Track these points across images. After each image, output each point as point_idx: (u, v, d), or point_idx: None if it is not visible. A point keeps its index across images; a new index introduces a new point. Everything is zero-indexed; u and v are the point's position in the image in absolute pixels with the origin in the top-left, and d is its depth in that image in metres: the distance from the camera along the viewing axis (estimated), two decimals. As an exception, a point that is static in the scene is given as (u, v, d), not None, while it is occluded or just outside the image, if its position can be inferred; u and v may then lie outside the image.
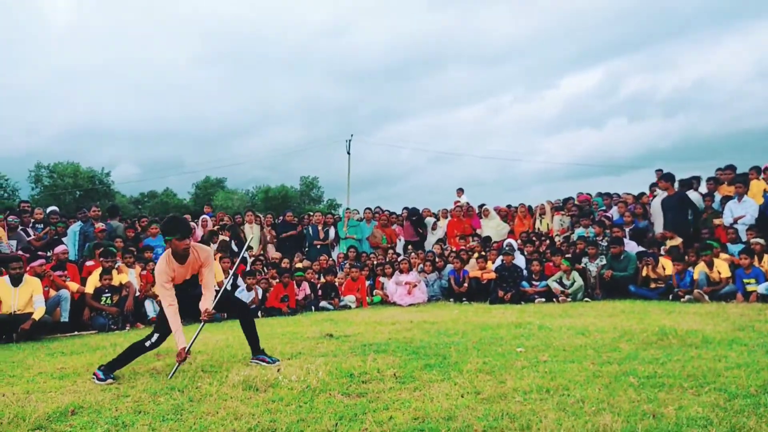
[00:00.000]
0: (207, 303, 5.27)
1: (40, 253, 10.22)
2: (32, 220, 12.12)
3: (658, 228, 12.52)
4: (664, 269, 10.89)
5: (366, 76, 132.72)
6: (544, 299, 11.18)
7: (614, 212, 14.03)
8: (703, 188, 13.29)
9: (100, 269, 9.66)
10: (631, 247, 11.93)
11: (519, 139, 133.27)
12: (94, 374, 4.76)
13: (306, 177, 62.94)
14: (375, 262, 13.49)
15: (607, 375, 4.18)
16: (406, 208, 16.08)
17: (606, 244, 12.00)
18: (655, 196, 13.36)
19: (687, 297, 9.91)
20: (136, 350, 5.06)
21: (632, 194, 14.72)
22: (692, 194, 12.68)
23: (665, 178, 12.50)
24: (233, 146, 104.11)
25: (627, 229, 12.88)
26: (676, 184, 12.65)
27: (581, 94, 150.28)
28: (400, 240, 15.40)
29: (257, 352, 5.38)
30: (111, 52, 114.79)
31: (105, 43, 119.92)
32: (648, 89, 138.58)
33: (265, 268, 12.25)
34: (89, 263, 10.48)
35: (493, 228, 14.95)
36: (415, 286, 12.24)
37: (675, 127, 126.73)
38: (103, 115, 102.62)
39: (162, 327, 5.10)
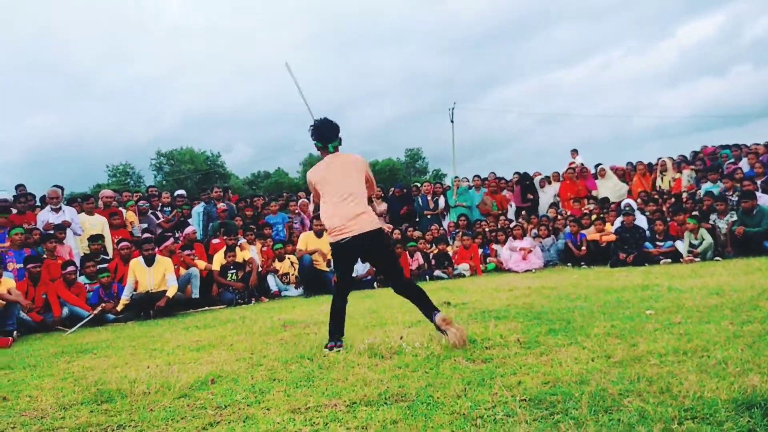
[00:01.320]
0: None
1: (167, 234, 10.85)
2: (160, 204, 12.88)
3: None
4: (804, 222, 10.06)
5: (466, 43, 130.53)
6: (670, 260, 10.65)
7: (744, 164, 13.10)
8: None
9: (224, 247, 10.15)
10: (765, 200, 11.09)
11: (633, 94, 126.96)
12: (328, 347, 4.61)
13: (410, 149, 63.09)
14: (487, 229, 13.34)
15: (749, 335, 3.91)
16: (516, 173, 15.73)
17: (737, 198, 11.22)
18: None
19: (833, 251, 9.13)
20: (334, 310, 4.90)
21: (762, 144, 13.68)
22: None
23: None
24: (342, 121, 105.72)
25: (759, 182, 11.99)
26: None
27: (700, 42, 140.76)
28: (511, 206, 15.13)
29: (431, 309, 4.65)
30: (219, 40, 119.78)
31: (213, 32, 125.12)
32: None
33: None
34: (215, 242, 11.03)
35: (610, 188, 14.37)
36: (530, 251, 12.02)
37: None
38: (217, 101, 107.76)
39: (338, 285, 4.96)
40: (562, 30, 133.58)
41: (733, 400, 2.61)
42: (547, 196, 15.05)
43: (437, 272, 11.85)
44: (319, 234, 10.98)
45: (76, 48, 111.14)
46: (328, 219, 4.75)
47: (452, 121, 43.96)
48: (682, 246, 10.69)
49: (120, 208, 11.54)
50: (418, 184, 15.88)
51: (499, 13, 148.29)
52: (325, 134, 4.81)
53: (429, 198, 14.66)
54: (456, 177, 16.60)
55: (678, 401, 2.68)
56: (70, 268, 8.70)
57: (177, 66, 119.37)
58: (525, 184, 15.06)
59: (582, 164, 15.64)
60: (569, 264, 12.03)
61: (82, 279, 9.18)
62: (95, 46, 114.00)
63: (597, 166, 15.22)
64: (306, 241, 10.98)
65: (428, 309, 4.62)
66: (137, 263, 8.98)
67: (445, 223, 14.43)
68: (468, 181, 15.78)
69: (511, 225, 13.12)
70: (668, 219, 11.47)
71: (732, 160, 13.95)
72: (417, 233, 13.07)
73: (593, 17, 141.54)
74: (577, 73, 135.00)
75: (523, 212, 14.26)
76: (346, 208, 4.64)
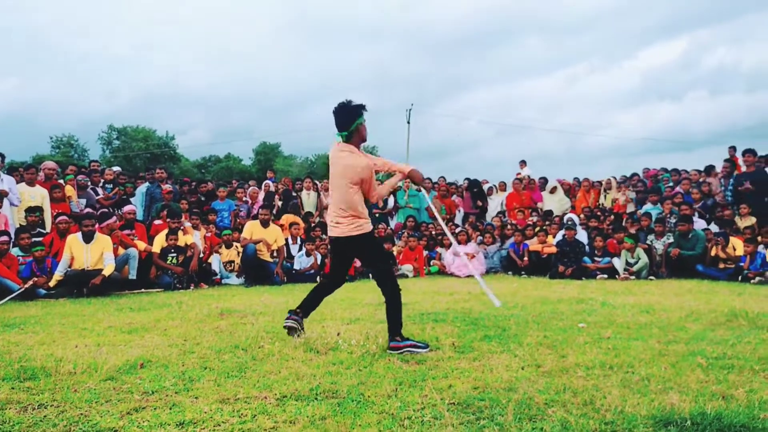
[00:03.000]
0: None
1: (117, 213, 10.58)
2: (102, 180, 12.54)
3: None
4: (734, 249, 10.49)
5: (439, 47, 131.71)
6: (606, 276, 10.94)
7: (679, 189, 13.58)
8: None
9: (166, 230, 9.95)
10: (700, 225, 11.52)
11: (592, 112, 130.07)
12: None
13: (365, 146, 63.01)
14: (434, 232, 13.46)
15: (673, 354, 4.06)
16: (467, 179, 15.91)
17: (674, 221, 11.62)
18: (727, 173, 12.85)
19: (758, 279, 9.53)
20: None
21: (698, 170, 14.22)
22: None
23: (751, 153, 12.01)
24: (304, 114, 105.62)
25: (696, 206, 12.45)
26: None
27: (661, 66, 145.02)
28: (459, 211, 15.29)
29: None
30: (193, 19, 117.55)
31: (187, 10, 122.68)
32: (732, 62, 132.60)
33: (323, 235, 12.37)
34: (157, 223, 10.80)
35: (555, 202, 14.68)
36: (473, 257, 12.16)
37: (759, 102, 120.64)
38: (182, 82, 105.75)
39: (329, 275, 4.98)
40: (533, 42, 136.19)
41: (652, 417, 2.70)
42: (494, 204, 15.28)
43: (380, 271, 11.89)
44: (265, 224, 10.87)
45: (45, 17, 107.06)
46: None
47: (408, 122, 44.05)
48: (619, 263, 11.00)
49: (60, 181, 11.18)
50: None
51: (474, 21, 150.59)
52: (335, 120, 4.56)
53: (379, 196, 14.66)
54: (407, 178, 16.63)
55: (600, 414, 2.76)
56: (3, 239, 8.38)
57: (144, 44, 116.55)
58: (474, 191, 15.25)
59: (528, 176, 15.93)
60: (510, 272, 12.25)
61: (15, 251, 8.86)
62: (66, 17, 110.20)
63: (541, 179, 15.54)
64: (252, 230, 10.85)
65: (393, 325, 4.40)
66: (75, 239, 8.72)
67: (392, 223, 14.49)
68: (418, 183, 15.83)
69: (457, 230, 13.26)
70: (608, 236, 11.78)
71: (671, 184, 14.43)
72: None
73: (564, 32, 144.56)
74: (541, 86, 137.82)
75: (471, 218, 14.42)
76: (331, 209, 4.64)
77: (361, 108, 4.53)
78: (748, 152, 12.09)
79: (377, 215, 14.39)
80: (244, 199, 13.56)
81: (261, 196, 13.90)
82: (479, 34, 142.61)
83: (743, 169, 12.56)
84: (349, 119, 4.48)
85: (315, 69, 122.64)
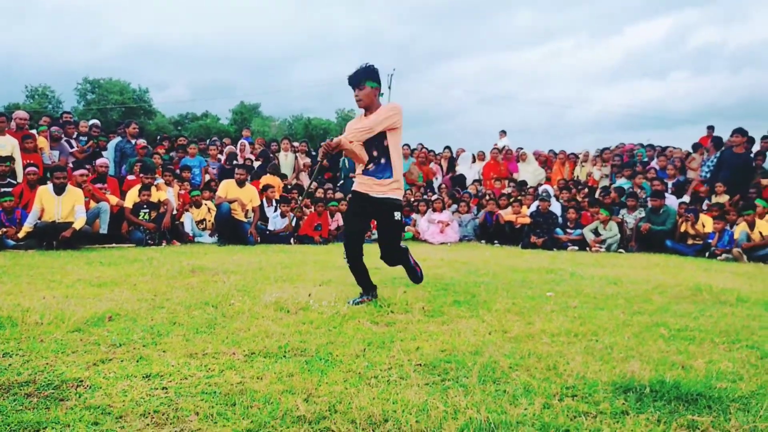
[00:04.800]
0: None
1: (87, 167, 10.41)
2: (76, 132, 12.30)
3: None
4: (704, 226, 10.68)
5: (429, 12, 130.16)
6: (577, 247, 11.10)
7: (654, 164, 13.73)
8: (757, 147, 12.79)
9: (139, 185, 9.83)
10: (672, 201, 11.69)
11: (576, 86, 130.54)
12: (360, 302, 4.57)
13: (341, 110, 62.59)
14: (412, 198, 13.49)
15: (637, 324, 4.15)
16: (447, 147, 15.96)
17: (645, 196, 11.78)
18: (704, 153, 12.98)
19: (724, 256, 9.74)
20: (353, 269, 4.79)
21: (680, 148, 14.37)
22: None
23: (740, 132, 11.96)
24: (288, 74, 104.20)
25: (670, 183, 12.61)
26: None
27: (646, 44, 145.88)
28: (436, 178, 15.33)
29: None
30: None
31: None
32: (717, 42, 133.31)
33: (299, 197, 12.33)
34: (130, 178, 10.67)
35: (530, 173, 14.78)
36: (448, 225, 12.23)
37: (741, 83, 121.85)
38: (164, 35, 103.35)
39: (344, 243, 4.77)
40: (522, 14, 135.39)
41: (613, 383, 2.77)
42: (472, 172, 15.34)
43: (355, 235, 11.92)
44: (240, 183, 10.79)
45: None
46: None
47: (390, 88, 43.77)
48: (587, 233, 11.15)
49: (33, 132, 10.94)
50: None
51: None
52: (350, 79, 4.56)
53: (355, 161, 14.62)
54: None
55: (562, 379, 2.82)
56: (-30, 188, 8.23)
57: None
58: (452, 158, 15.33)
59: (506, 146, 15.99)
60: (483, 241, 12.35)
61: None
62: None
63: (519, 149, 15.61)
64: (227, 188, 10.77)
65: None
66: (45, 191, 8.58)
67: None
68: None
69: (433, 197, 13.29)
70: (582, 208, 11.91)
71: (645, 159, 14.59)
72: (339, 194, 13.06)
73: (554, 5, 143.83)
74: (527, 58, 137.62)
75: (444, 187, 14.45)
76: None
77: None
78: (738, 132, 11.99)
79: (353, 179, 14.36)
80: (216, 156, 13.45)
81: (239, 156, 13.77)
82: (471, 3, 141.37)
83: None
84: (357, 76, 4.54)
85: (301, 29, 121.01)
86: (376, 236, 5.33)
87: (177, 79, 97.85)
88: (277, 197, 11.84)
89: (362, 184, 4.70)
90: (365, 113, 4.61)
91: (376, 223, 4.82)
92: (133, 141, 11.85)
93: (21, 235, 8.30)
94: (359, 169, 4.73)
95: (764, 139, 12.57)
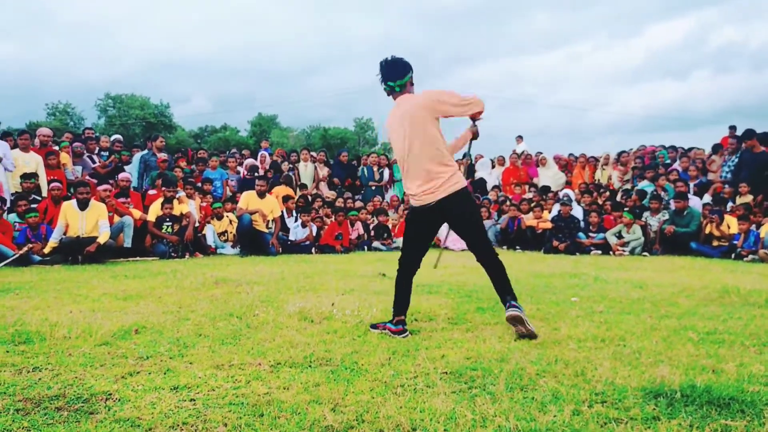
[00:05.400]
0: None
1: (110, 182, 10.54)
2: (98, 148, 12.46)
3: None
4: (729, 227, 10.53)
5: (446, 18, 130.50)
6: (600, 251, 11.00)
7: (677, 166, 13.58)
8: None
9: (161, 198, 9.93)
10: (695, 203, 11.55)
11: (596, 88, 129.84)
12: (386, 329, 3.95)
13: (359, 118, 62.80)
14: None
15: (665, 329, 4.09)
16: (466, 155, 15.88)
17: (669, 198, 11.65)
18: (733, 150, 12.76)
19: (751, 257, 9.59)
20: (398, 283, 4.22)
21: (703, 149, 14.19)
22: None
23: (757, 137, 11.81)
24: (306, 84, 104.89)
25: (692, 184, 12.46)
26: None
27: (667, 44, 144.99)
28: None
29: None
30: None
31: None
32: (739, 40, 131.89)
33: (320, 207, 12.38)
34: (151, 192, 10.78)
35: (549, 177, 14.68)
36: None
37: (763, 81, 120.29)
38: (185, 49, 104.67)
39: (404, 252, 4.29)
40: (541, 17, 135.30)
41: (642, 389, 2.73)
42: (491, 178, 15.27)
43: (376, 243, 11.93)
44: (261, 194, 10.86)
45: None
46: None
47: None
48: (611, 237, 11.04)
49: (55, 148, 11.11)
50: (366, 155, 15.90)
51: None
52: (387, 72, 4.08)
53: (375, 169, 14.66)
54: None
55: (591, 385, 2.79)
56: (-2, 204, 8.37)
57: (145, 6, 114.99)
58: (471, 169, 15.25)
59: (525, 151, 15.91)
60: (505, 247, 12.28)
61: (12, 217, 8.85)
62: None
63: (538, 154, 15.51)
64: (248, 200, 10.84)
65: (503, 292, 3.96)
66: (70, 206, 8.70)
67: (388, 196, 14.49)
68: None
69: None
70: (604, 212, 11.80)
71: (668, 161, 14.43)
72: (359, 203, 13.09)
73: (573, 8, 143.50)
74: (546, 61, 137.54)
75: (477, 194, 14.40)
76: (414, 173, 4.00)
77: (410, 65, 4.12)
78: (747, 136, 11.86)
79: (373, 188, 14.41)
80: (236, 168, 13.55)
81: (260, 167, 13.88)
82: (488, 8, 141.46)
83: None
84: (404, 70, 4.07)
85: (318, 38, 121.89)
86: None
87: (197, 92, 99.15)
88: (291, 205, 11.88)
89: None
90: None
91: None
92: (158, 154, 11.97)
93: (47, 250, 8.42)
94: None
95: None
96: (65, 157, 10.98)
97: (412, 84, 4.16)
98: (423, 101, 3.97)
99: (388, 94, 4.17)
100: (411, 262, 4.23)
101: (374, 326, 4.02)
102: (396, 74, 4.05)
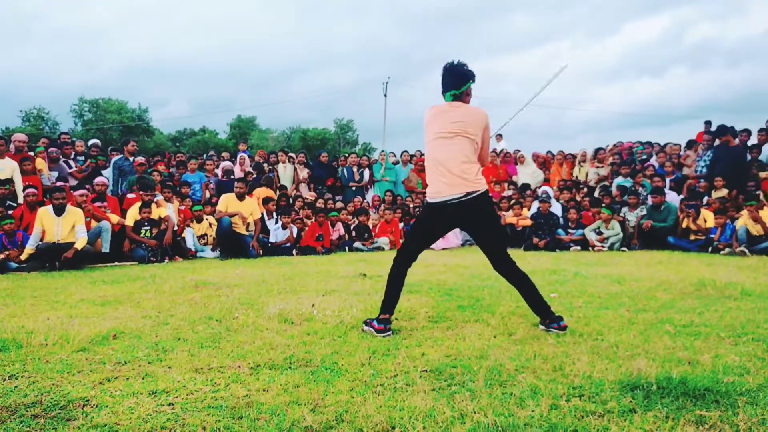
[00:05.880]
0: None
1: (87, 186, 10.42)
2: (73, 152, 12.31)
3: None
4: (705, 221, 10.67)
5: (427, 19, 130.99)
6: (579, 247, 11.10)
7: (653, 162, 13.73)
8: (755, 140, 12.79)
9: (139, 202, 9.84)
10: (672, 197, 11.69)
11: (574, 86, 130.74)
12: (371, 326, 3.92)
13: (339, 119, 62.75)
14: (411, 205, 13.50)
15: (642, 322, 4.14)
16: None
17: (646, 193, 11.78)
18: (708, 146, 12.95)
19: (727, 250, 9.72)
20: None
21: (679, 144, 14.36)
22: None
23: (731, 132, 12.06)
24: (287, 86, 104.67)
25: (668, 179, 12.61)
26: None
27: (644, 41, 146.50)
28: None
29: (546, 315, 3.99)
30: None
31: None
32: (715, 37, 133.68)
33: (300, 208, 12.35)
34: (130, 196, 10.67)
35: (528, 175, 14.77)
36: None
37: (739, 77, 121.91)
38: (165, 53, 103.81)
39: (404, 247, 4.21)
40: (519, 17, 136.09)
41: (619, 382, 2.76)
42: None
43: (357, 244, 11.93)
44: (240, 197, 10.80)
45: None
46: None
47: (385, 95, 43.79)
48: (589, 232, 11.15)
49: (31, 153, 10.97)
50: (345, 155, 15.89)
51: None
52: (447, 80, 4.14)
53: (355, 170, 14.66)
54: (383, 151, 16.63)
55: (568, 379, 2.82)
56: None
57: (127, 12, 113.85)
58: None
59: (503, 149, 16.00)
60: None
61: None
62: None
63: (516, 151, 15.61)
64: (227, 202, 10.78)
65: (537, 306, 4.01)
66: (46, 212, 8.59)
67: (369, 196, 14.49)
68: (395, 156, 15.87)
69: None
70: (582, 208, 11.91)
71: (645, 156, 14.59)
72: (339, 204, 13.08)
73: (549, 7, 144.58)
74: (525, 60, 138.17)
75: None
76: (445, 164, 3.98)
77: (472, 72, 4.15)
78: (721, 132, 12.12)
79: (353, 188, 14.40)
80: (214, 171, 13.48)
81: (237, 169, 13.80)
82: (466, 9, 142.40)
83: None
84: (463, 80, 4.09)
85: (299, 40, 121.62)
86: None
87: (177, 96, 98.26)
88: (273, 209, 11.85)
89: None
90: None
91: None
92: (131, 158, 11.85)
93: (23, 257, 8.30)
94: None
95: (761, 131, 12.56)
96: (41, 163, 10.84)
97: (468, 94, 4.18)
98: (483, 121, 4.08)
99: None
100: (411, 256, 4.16)
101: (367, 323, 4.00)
102: (456, 83, 4.08)
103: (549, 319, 3.92)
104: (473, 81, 4.14)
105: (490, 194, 4.14)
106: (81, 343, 3.58)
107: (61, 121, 53.96)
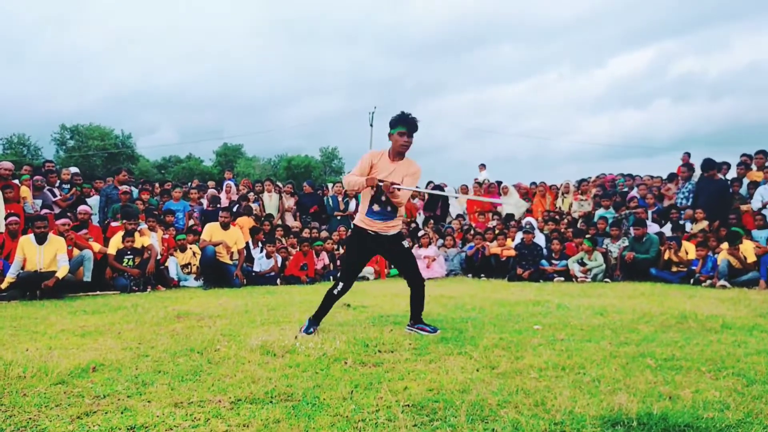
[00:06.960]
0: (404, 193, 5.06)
1: (69, 214, 10.35)
2: (58, 181, 12.24)
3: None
4: (687, 253, 10.77)
5: (416, 50, 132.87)
6: (563, 278, 11.14)
7: (635, 193, 13.89)
8: (733, 173, 13.00)
9: (122, 231, 9.78)
10: (654, 229, 11.80)
11: (560, 117, 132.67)
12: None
13: (325, 148, 62.93)
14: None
15: (624, 356, 4.16)
16: (430, 182, 16.03)
17: (628, 225, 11.89)
18: (686, 177, 13.11)
19: (708, 282, 9.81)
20: (328, 299, 5.22)
21: (660, 177, 14.55)
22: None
23: (713, 165, 12.22)
24: (274, 114, 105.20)
25: (650, 211, 12.74)
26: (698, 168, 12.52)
27: (629, 74, 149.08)
28: (420, 214, 15.37)
29: (417, 320, 5.22)
30: (170, 16, 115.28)
31: (164, 6, 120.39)
32: (698, 71, 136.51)
33: (284, 237, 12.33)
34: (114, 224, 10.61)
35: (512, 205, 14.86)
36: (434, 260, 12.24)
37: (721, 110, 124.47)
38: (153, 80, 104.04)
39: (345, 276, 5.22)
40: (507, 48, 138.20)
41: (601, 417, 2.77)
42: (454, 207, 15.42)
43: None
44: (224, 226, 10.77)
45: (12, 14, 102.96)
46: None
47: (371, 125, 44.16)
48: (573, 264, 11.21)
49: (15, 181, 10.89)
50: (330, 184, 15.92)
51: (451, 25, 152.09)
52: (414, 127, 5.01)
53: (340, 199, 14.67)
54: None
55: (550, 415, 2.82)
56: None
57: (117, 39, 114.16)
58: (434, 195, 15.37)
59: (487, 179, 16.11)
60: (470, 275, 12.36)
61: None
62: (23, 11, 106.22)
63: (499, 183, 15.73)
64: (211, 232, 10.73)
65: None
66: (27, 240, 8.51)
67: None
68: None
69: (419, 233, 13.32)
70: (566, 239, 11.98)
71: (626, 189, 14.76)
72: (324, 233, 13.06)
73: (537, 40, 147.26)
74: (512, 91, 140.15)
75: (431, 222, 14.49)
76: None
77: (395, 120, 4.98)
78: (762, 153, 12.42)
79: (338, 217, 14.41)
80: (198, 200, 13.45)
81: (223, 197, 13.79)
82: (455, 41, 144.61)
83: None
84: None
85: (287, 69, 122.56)
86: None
87: (164, 124, 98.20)
88: (262, 239, 11.82)
89: (374, 224, 5.09)
90: (395, 157, 5.06)
91: (390, 256, 5.64)
92: (119, 187, 11.81)
93: (3, 285, 8.20)
94: (365, 209, 5.11)
95: (740, 165, 12.77)
96: (25, 191, 10.75)
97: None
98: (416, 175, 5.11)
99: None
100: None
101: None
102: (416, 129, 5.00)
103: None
104: (394, 128, 4.98)
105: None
106: (60, 375, 3.53)
107: (43, 147, 53.64)
